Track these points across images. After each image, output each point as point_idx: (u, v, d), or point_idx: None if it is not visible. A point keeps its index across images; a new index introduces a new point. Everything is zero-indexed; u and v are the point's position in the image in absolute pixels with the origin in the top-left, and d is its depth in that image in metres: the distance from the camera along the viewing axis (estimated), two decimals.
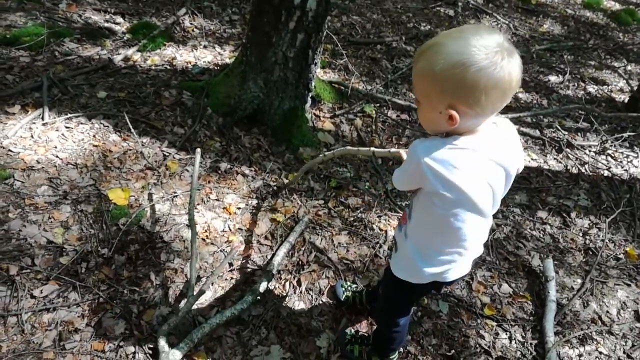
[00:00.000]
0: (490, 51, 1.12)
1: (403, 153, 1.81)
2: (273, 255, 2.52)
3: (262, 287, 2.28)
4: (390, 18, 5.69)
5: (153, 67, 3.69)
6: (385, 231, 2.86)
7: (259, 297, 2.27)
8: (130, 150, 2.89)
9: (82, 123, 2.97)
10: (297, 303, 2.36)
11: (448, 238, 1.44)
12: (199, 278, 2.30)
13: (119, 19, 4.22)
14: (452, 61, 1.13)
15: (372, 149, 2.18)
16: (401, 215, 2.17)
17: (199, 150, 2.70)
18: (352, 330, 2.23)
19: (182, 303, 2.19)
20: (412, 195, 1.52)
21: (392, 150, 2.02)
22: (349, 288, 2.40)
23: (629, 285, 2.85)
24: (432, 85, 1.20)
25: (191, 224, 2.37)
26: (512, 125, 1.40)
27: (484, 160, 1.29)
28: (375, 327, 2.22)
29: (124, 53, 3.73)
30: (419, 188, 1.44)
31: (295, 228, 2.68)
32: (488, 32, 1.15)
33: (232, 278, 2.39)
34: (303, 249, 2.62)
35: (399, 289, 1.70)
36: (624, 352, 2.47)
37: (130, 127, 3.00)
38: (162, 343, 1.94)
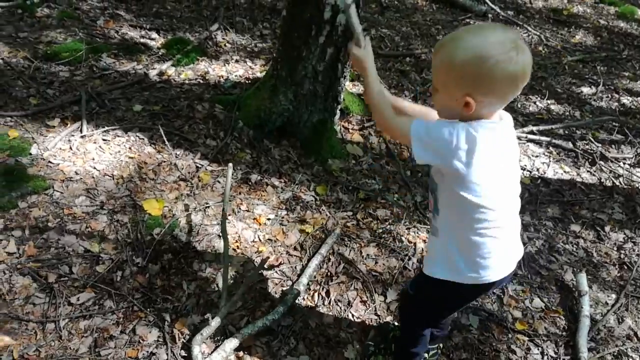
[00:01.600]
0: (507, 47, 1.23)
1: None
2: (305, 266, 2.55)
3: (294, 298, 2.30)
4: (420, 30, 5.70)
5: (187, 81, 3.78)
6: (415, 243, 2.86)
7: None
8: (164, 162, 2.97)
9: (118, 136, 3.07)
10: (326, 314, 2.37)
11: (481, 226, 1.44)
12: (230, 289, 2.34)
13: (154, 35, 4.35)
14: (471, 54, 1.25)
15: None
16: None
17: (230, 165, 2.74)
18: (376, 341, 2.23)
19: (214, 312, 2.22)
20: (435, 189, 1.52)
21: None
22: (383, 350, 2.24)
23: None
24: (450, 75, 1.31)
25: (223, 236, 2.42)
26: (512, 121, 1.48)
27: (502, 136, 1.39)
28: (396, 337, 2.20)
29: (159, 68, 3.83)
30: (439, 176, 1.47)
31: (327, 240, 2.70)
32: (504, 29, 1.30)
33: (261, 288, 2.42)
34: (332, 260, 2.64)
35: (434, 293, 1.68)
36: None
37: (165, 139, 3.08)
38: (197, 352, 1.97)
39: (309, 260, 2.59)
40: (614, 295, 2.77)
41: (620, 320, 2.63)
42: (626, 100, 5.06)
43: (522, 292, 2.66)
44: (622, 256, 3.07)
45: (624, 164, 3.97)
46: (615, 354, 2.44)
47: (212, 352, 2.00)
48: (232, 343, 2.04)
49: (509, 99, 1.33)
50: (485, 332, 2.41)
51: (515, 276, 2.74)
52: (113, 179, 2.76)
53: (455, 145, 1.30)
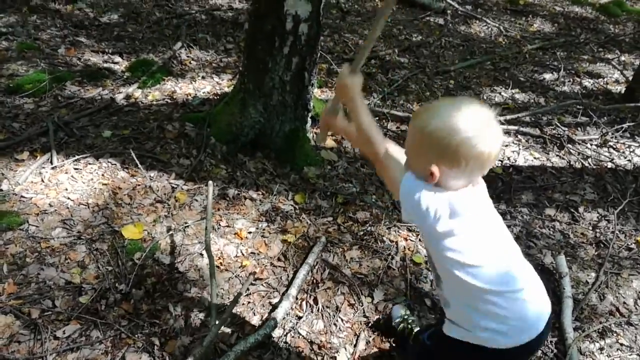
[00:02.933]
0: (479, 124, 1.25)
1: None
2: (293, 276, 2.55)
3: (283, 311, 2.31)
4: (382, 32, 5.77)
5: (154, 103, 3.77)
6: (396, 242, 2.89)
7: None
8: (139, 185, 2.95)
9: (90, 163, 3.03)
10: (316, 322, 2.38)
11: (480, 286, 1.37)
12: (218, 307, 2.33)
13: (117, 58, 4.32)
14: (441, 125, 1.26)
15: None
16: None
17: (211, 182, 2.72)
18: (402, 313, 2.30)
19: (204, 332, 2.22)
20: (430, 257, 1.50)
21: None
22: (408, 319, 2.30)
23: None
24: (420, 142, 1.33)
25: (208, 254, 2.41)
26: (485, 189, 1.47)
27: (473, 196, 1.39)
28: None
29: (125, 91, 3.81)
30: (425, 240, 1.49)
31: (314, 249, 2.71)
32: (480, 106, 1.29)
33: (249, 302, 2.42)
34: (316, 267, 2.65)
35: (451, 351, 1.59)
36: None
37: (137, 162, 3.06)
38: None
39: (295, 271, 2.60)
40: (593, 274, 2.84)
41: (602, 298, 2.70)
42: (587, 82, 5.21)
43: None
44: (597, 235, 3.15)
45: (591, 145, 4.08)
46: (600, 330, 2.50)
47: None
48: None
49: (474, 176, 1.34)
50: None
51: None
52: (88, 207, 2.73)
53: (425, 208, 1.32)
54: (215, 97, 3.90)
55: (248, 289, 2.47)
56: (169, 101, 3.80)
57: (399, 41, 5.64)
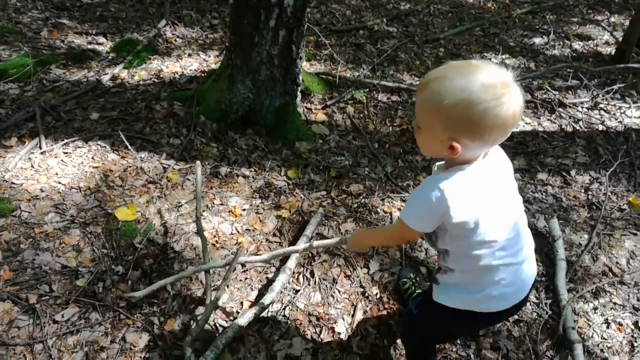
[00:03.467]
0: (497, 90, 1.14)
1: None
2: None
3: (280, 284, 2.32)
4: (369, 2, 5.70)
5: (141, 82, 3.72)
6: (390, 213, 2.90)
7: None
8: (130, 167, 2.93)
9: (79, 147, 3.01)
10: (313, 294, 2.40)
11: (486, 258, 1.40)
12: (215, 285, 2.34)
13: (102, 39, 4.25)
14: (459, 97, 1.15)
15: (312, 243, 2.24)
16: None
17: (198, 162, 2.69)
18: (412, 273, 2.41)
19: (201, 309, 2.23)
20: (438, 242, 1.49)
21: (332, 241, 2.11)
22: (413, 280, 2.39)
23: (635, 234, 2.89)
24: (436, 117, 1.22)
25: (200, 233, 2.41)
26: (501, 154, 1.45)
27: (488, 183, 1.35)
28: None
29: (111, 72, 3.76)
30: (442, 231, 1.42)
31: (311, 221, 2.71)
32: (495, 69, 1.18)
33: (246, 278, 2.44)
34: (313, 239, 2.66)
35: (438, 316, 1.64)
36: (638, 300, 2.51)
37: (127, 144, 3.03)
38: (189, 354, 1.97)
39: (290, 244, 2.61)
40: (586, 236, 2.87)
41: (595, 259, 2.73)
42: (577, 45, 5.17)
43: None
44: (590, 197, 3.17)
45: (582, 107, 4.08)
46: (593, 291, 2.54)
47: (205, 351, 1.99)
48: (223, 338, 2.03)
49: (497, 142, 1.28)
50: None
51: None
52: (80, 191, 2.72)
53: (431, 210, 1.31)
54: (203, 75, 3.86)
55: (244, 265, 2.48)
56: (156, 80, 3.76)
57: (387, 10, 5.57)
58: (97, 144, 3.04)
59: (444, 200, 1.28)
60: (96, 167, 2.88)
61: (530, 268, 1.52)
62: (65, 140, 3.02)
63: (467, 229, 1.33)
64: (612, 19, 5.86)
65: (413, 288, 2.35)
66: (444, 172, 1.33)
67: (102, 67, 3.87)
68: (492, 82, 1.15)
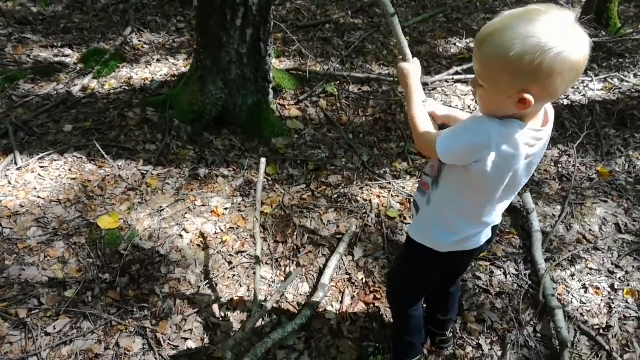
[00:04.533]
0: (567, 33, 1.07)
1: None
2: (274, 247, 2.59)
3: (317, 301, 2.32)
4: None
5: (112, 91, 3.71)
6: (370, 200, 2.96)
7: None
8: (108, 175, 2.93)
9: (55, 160, 3.00)
10: (301, 285, 2.45)
11: (477, 208, 1.43)
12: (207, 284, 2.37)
13: (68, 51, 4.22)
14: (528, 45, 1.07)
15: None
16: (419, 179, 2.07)
17: (263, 160, 2.66)
18: (373, 344, 2.19)
19: (194, 308, 2.27)
20: (442, 167, 1.45)
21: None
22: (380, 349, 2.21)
23: (605, 201, 3.00)
24: (503, 71, 1.13)
25: (256, 237, 2.44)
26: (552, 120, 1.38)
27: (539, 149, 1.32)
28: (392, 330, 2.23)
29: (81, 83, 3.74)
30: (456, 169, 1.38)
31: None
32: (559, 11, 1.10)
33: (234, 275, 2.47)
34: (295, 234, 2.71)
35: (416, 258, 1.68)
36: (612, 264, 2.62)
37: (103, 153, 3.03)
38: (229, 357, 1.98)
39: (275, 239, 2.66)
40: (559, 207, 2.97)
41: (569, 228, 2.84)
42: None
43: None
44: (560, 169, 3.28)
45: None
46: (569, 258, 2.64)
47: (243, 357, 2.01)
48: (263, 347, 2.06)
49: (567, 89, 1.24)
50: None
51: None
52: (60, 203, 2.72)
53: (480, 150, 1.24)
54: (174, 79, 3.87)
55: (231, 263, 2.52)
56: (127, 88, 3.75)
57: (350, 3, 5.63)
58: (73, 156, 3.04)
59: (493, 147, 1.21)
60: (74, 179, 2.87)
61: (499, 217, 1.57)
62: (41, 155, 3.01)
63: (481, 183, 1.32)
64: None
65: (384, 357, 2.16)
66: (501, 120, 1.24)
67: (71, 78, 3.85)
68: (558, 24, 1.08)
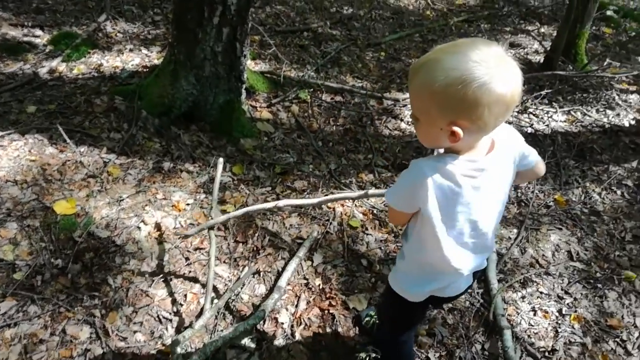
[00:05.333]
0: (491, 65, 1.08)
1: None
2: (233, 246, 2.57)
3: (272, 303, 2.30)
4: (313, 4, 5.79)
5: (80, 76, 3.63)
6: (333, 208, 2.97)
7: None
8: (69, 160, 2.86)
9: (15, 140, 2.91)
10: (257, 286, 2.44)
11: (443, 254, 1.38)
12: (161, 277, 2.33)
13: (38, 32, 4.11)
14: (452, 77, 1.08)
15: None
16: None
17: (221, 159, 2.64)
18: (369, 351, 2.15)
19: (146, 302, 2.23)
20: (409, 224, 1.48)
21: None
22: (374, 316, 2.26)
23: (560, 229, 3.10)
24: (431, 103, 1.15)
25: (210, 236, 2.40)
26: (507, 126, 1.38)
27: (489, 179, 1.28)
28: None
29: (48, 65, 3.65)
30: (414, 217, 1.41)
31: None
32: (485, 44, 1.11)
33: (190, 272, 2.44)
34: (256, 235, 2.70)
35: (397, 304, 1.63)
36: (561, 289, 2.69)
37: (66, 137, 2.96)
38: (178, 352, 1.95)
39: (235, 239, 2.64)
40: (515, 230, 3.05)
41: (523, 251, 2.91)
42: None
43: None
44: (519, 194, 3.36)
45: (513, 112, 4.31)
46: (522, 280, 2.70)
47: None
48: (212, 346, 2.03)
49: (499, 122, 1.19)
50: None
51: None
52: (16, 184, 2.63)
53: (418, 190, 1.26)
54: (145, 70, 3.81)
55: (188, 259, 2.49)
56: (96, 74, 3.68)
57: (330, 14, 5.68)
58: (35, 137, 2.96)
59: (429, 182, 1.23)
60: (33, 161, 2.79)
61: (482, 262, 1.53)
62: (1, 133, 2.91)
63: (433, 226, 1.30)
64: (542, 30, 6.22)
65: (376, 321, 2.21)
66: (438, 155, 1.29)
67: (39, 60, 3.75)
68: (484, 57, 1.09)
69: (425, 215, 1.29)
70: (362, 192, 2.20)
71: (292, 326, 2.27)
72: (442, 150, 1.32)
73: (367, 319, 2.27)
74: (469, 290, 2.45)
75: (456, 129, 1.14)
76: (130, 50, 4.13)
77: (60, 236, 2.42)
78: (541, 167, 1.51)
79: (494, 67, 1.08)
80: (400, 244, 1.60)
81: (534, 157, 1.45)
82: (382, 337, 2.00)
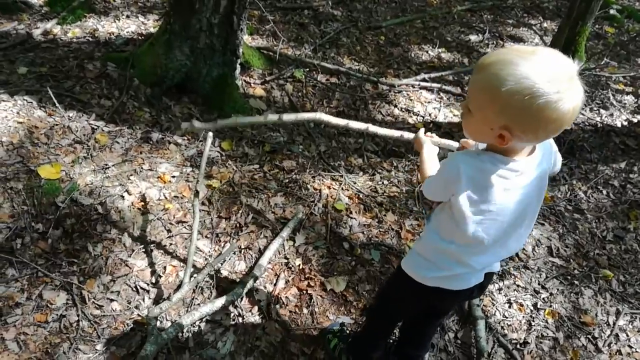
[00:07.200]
0: (562, 84, 1.06)
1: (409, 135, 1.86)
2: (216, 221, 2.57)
3: (252, 281, 2.32)
4: None
5: (74, 40, 3.59)
6: (320, 190, 2.98)
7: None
8: (57, 125, 2.84)
9: (3, 100, 2.88)
10: (238, 262, 2.45)
11: (462, 247, 1.40)
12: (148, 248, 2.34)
13: None
14: (522, 86, 1.06)
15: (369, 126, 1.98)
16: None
17: (210, 134, 2.59)
18: (340, 324, 2.22)
19: (124, 271, 2.23)
20: (434, 210, 1.50)
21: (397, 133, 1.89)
22: (339, 335, 2.18)
23: (543, 224, 3.12)
24: (491, 102, 1.13)
25: (194, 210, 2.38)
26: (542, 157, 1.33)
27: (522, 182, 1.28)
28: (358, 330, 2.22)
29: (43, 27, 3.60)
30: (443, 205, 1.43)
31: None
32: (564, 60, 1.09)
33: (170, 244, 2.45)
34: (240, 212, 2.70)
35: (399, 282, 1.66)
36: (538, 284, 2.72)
37: (55, 101, 2.93)
38: (152, 324, 1.98)
39: (218, 215, 2.64)
40: None
41: None
42: (510, 45, 5.43)
43: (417, 226, 2.88)
44: None
45: None
46: (499, 273, 2.73)
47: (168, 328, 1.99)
48: (189, 319, 2.07)
49: (548, 137, 1.21)
50: (386, 264, 2.60)
51: (411, 212, 2.95)
52: (2, 145, 2.61)
53: (451, 183, 1.29)
54: (140, 38, 3.77)
55: (170, 231, 2.49)
56: (90, 39, 3.63)
57: None
58: (24, 99, 2.93)
59: (463, 177, 1.24)
60: (21, 123, 2.77)
61: (495, 265, 1.58)
62: None
63: (458, 217, 1.31)
64: (545, 25, 6.17)
65: (340, 343, 2.13)
66: (477, 151, 1.30)
67: (34, 20, 3.70)
68: (558, 74, 1.06)
69: (454, 205, 1.30)
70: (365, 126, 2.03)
71: (269, 304, 2.29)
72: (483, 145, 1.33)
73: (332, 341, 2.15)
74: (478, 298, 2.45)
75: (506, 133, 1.14)
76: (127, 16, 4.07)
77: (43, 200, 2.42)
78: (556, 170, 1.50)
79: (565, 87, 1.06)
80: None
81: (559, 163, 1.45)
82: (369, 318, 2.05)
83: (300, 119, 2.22)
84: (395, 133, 1.88)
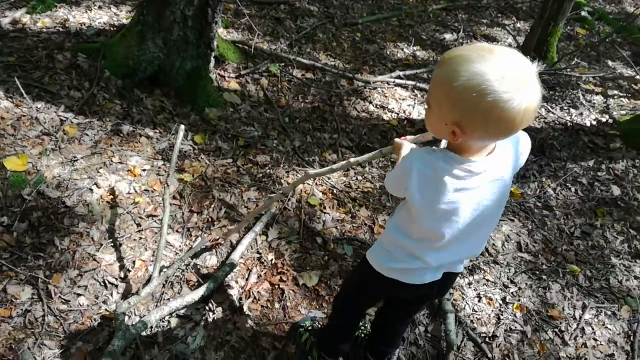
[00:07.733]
0: (514, 84, 1.04)
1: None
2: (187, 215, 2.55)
3: (223, 275, 2.31)
4: None
5: (44, 30, 3.50)
6: None
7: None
8: (24, 116, 2.77)
9: None
10: (209, 257, 2.43)
11: (416, 241, 1.42)
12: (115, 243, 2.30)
13: None
14: (473, 82, 1.05)
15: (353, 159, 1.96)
16: None
17: (182, 126, 2.51)
18: (312, 318, 2.23)
19: (92, 266, 2.19)
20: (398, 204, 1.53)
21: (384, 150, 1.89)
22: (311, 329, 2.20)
23: (512, 220, 3.17)
24: (446, 98, 1.13)
25: (164, 204, 2.34)
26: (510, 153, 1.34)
27: (477, 183, 1.26)
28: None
29: (12, 15, 3.50)
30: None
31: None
32: (521, 61, 1.08)
33: (140, 238, 2.41)
34: (212, 206, 2.68)
35: (360, 269, 1.71)
36: (507, 278, 2.76)
37: (23, 92, 2.86)
38: (120, 319, 1.94)
39: (190, 209, 2.61)
40: None
41: None
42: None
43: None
44: None
45: None
46: (470, 267, 2.76)
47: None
48: (158, 315, 2.04)
49: (501, 139, 1.21)
50: (358, 259, 2.61)
51: (384, 208, 2.96)
52: None
53: (405, 178, 1.28)
54: (112, 29, 3.70)
55: (140, 225, 2.45)
56: (61, 29, 3.55)
57: None
58: None
59: (414, 170, 1.25)
60: None
61: (457, 266, 1.58)
62: None
63: (415, 210, 1.32)
64: (518, 25, 6.26)
65: (311, 337, 2.14)
66: (434, 148, 1.30)
67: (2, 9, 3.60)
68: (512, 73, 1.05)
69: (408, 200, 1.32)
70: (344, 162, 1.99)
71: (240, 299, 2.27)
72: (444, 143, 1.34)
73: (304, 335, 2.16)
74: (436, 299, 2.46)
75: (456, 129, 1.14)
76: (99, 7, 4.00)
77: (8, 193, 2.35)
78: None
79: (517, 87, 1.05)
80: None
81: (523, 158, 1.42)
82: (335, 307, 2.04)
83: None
84: (375, 153, 1.91)
